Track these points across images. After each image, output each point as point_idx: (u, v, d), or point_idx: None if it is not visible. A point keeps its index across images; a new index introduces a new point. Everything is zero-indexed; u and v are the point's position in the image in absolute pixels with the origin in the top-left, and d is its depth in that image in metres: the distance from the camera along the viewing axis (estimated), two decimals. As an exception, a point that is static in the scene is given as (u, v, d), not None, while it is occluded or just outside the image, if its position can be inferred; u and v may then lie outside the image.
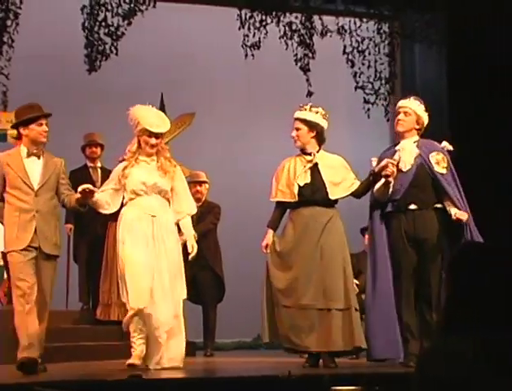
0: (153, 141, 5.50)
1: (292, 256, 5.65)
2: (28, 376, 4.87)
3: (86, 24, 9.33)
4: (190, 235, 5.57)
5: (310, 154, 5.77)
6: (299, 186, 5.68)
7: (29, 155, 5.35)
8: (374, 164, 5.78)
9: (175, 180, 5.55)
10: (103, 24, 9.33)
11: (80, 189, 5.20)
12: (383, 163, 5.50)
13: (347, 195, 5.79)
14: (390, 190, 5.55)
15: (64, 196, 5.38)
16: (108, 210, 5.54)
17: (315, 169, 5.74)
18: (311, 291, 5.56)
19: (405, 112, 5.70)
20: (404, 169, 5.58)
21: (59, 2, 9.30)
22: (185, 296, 5.55)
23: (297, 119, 5.79)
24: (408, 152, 5.62)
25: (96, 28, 9.31)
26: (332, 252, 5.63)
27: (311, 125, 5.76)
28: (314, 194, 5.69)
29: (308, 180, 5.69)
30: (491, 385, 1.82)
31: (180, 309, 5.45)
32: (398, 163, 5.52)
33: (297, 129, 5.77)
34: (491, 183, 8.97)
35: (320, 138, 5.82)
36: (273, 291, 5.64)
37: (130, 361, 5.32)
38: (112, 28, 9.33)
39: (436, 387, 1.85)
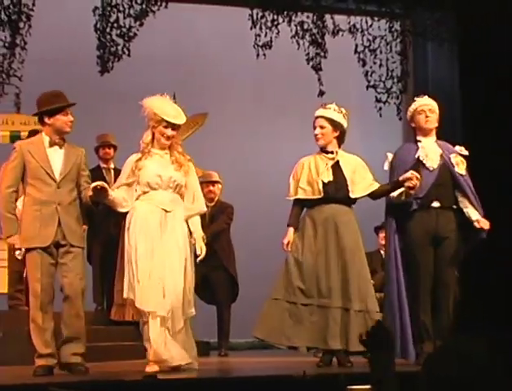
0: (170, 132, 5.33)
1: (314, 254, 5.63)
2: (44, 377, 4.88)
3: (98, 26, 9.35)
4: (199, 235, 5.44)
5: (331, 152, 5.77)
6: (323, 183, 5.66)
7: (51, 144, 5.22)
8: (390, 158, 5.76)
9: (189, 175, 5.41)
10: (115, 25, 9.35)
11: (92, 186, 5.08)
12: (408, 175, 5.46)
13: (366, 195, 5.78)
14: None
15: (81, 189, 5.24)
16: (125, 208, 5.34)
17: (336, 167, 5.73)
18: (332, 290, 5.57)
19: (430, 110, 5.70)
20: (431, 168, 5.56)
21: (71, 4, 9.33)
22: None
23: (322, 117, 5.76)
24: (432, 151, 5.63)
25: (108, 30, 9.33)
26: (350, 253, 5.63)
27: (336, 125, 5.76)
28: (337, 192, 5.68)
29: (331, 177, 5.68)
30: (499, 385, 1.81)
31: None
32: (420, 176, 5.49)
33: (322, 127, 5.75)
34: (504, 182, 8.93)
35: (342, 138, 5.84)
36: (291, 289, 5.61)
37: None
38: (124, 29, 9.35)
39: (445, 386, 1.85)
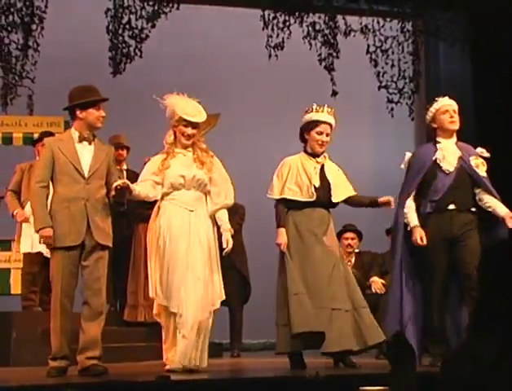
0: (190, 131, 5.31)
1: (304, 257, 5.60)
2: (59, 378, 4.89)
3: (111, 27, 9.39)
4: (226, 228, 5.39)
5: (319, 156, 5.73)
6: (314, 187, 5.64)
7: (81, 140, 5.08)
8: (407, 157, 5.69)
9: (213, 171, 5.37)
10: (127, 26, 9.38)
11: (113, 186, 4.95)
12: (385, 199, 5.52)
13: (343, 199, 5.74)
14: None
15: (111, 187, 5.07)
16: (153, 197, 5.29)
17: (321, 172, 5.72)
18: (328, 292, 5.55)
19: (454, 110, 5.63)
20: (447, 171, 5.50)
21: (83, 6, 9.36)
22: (223, 297, 5.43)
23: (328, 124, 5.70)
24: (450, 153, 5.55)
25: (120, 31, 9.36)
26: (335, 256, 5.65)
27: (332, 131, 5.76)
28: (324, 196, 5.67)
29: (319, 182, 5.67)
30: (510, 387, 1.80)
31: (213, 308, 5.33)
32: (436, 178, 5.46)
33: (328, 135, 5.70)
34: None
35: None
36: (294, 292, 5.53)
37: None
38: (136, 31, 9.38)
39: (458, 388, 1.85)
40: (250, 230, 8.01)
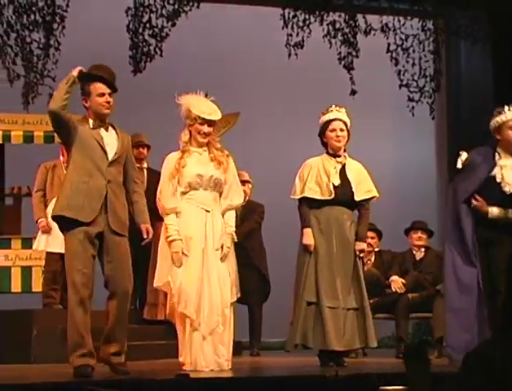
0: (206, 129, 5.33)
1: (327, 256, 5.65)
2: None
3: (131, 26, 9.43)
4: (228, 231, 5.37)
5: (340, 156, 5.80)
6: (333, 185, 5.70)
7: (94, 127, 4.91)
8: (463, 158, 5.54)
9: (228, 172, 5.40)
10: (148, 25, 9.42)
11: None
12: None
13: (365, 200, 5.78)
14: None
15: (130, 192, 4.99)
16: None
17: (342, 171, 5.78)
18: (351, 292, 5.64)
19: None
20: (508, 193, 5.39)
21: (104, 5, 9.39)
22: (235, 298, 5.45)
23: (340, 120, 5.80)
24: (510, 170, 5.41)
25: (141, 30, 9.40)
26: (352, 255, 5.70)
27: (348, 128, 5.82)
28: (344, 195, 5.72)
29: (339, 181, 5.72)
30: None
31: (228, 311, 5.35)
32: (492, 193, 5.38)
33: (342, 130, 5.79)
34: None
35: (348, 140, 5.87)
36: (306, 299, 5.61)
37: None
38: (157, 30, 9.42)
39: (480, 387, 1.84)
40: (270, 228, 8.01)
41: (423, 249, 7.40)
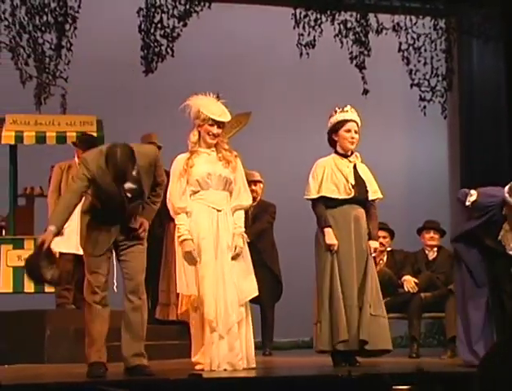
0: (215, 130, 5.33)
1: (347, 254, 5.62)
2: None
3: (143, 27, 9.46)
4: (238, 232, 5.33)
5: (350, 156, 5.78)
6: (351, 184, 5.69)
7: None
8: (474, 196, 5.51)
9: (236, 171, 5.40)
10: (159, 25, 9.44)
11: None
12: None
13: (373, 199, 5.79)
14: None
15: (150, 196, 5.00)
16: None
17: (355, 170, 5.77)
18: (360, 290, 5.61)
19: None
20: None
21: (115, 6, 9.42)
22: (255, 293, 5.40)
23: (354, 121, 5.78)
24: None
25: (152, 30, 9.42)
26: (365, 253, 5.69)
27: (359, 128, 5.80)
28: (360, 193, 5.71)
29: (354, 180, 5.72)
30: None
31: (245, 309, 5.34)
32: None
33: (356, 132, 5.77)
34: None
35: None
36: (337, 291, 5.57)
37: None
38: (168, 30, 9.43)
39: (497, 387, 1.83)
40: (282, 228, 8.00)
41: (435, 249, 7.38)
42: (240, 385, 4.50)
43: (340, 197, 5.67)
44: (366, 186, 5.74)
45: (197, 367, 5.20)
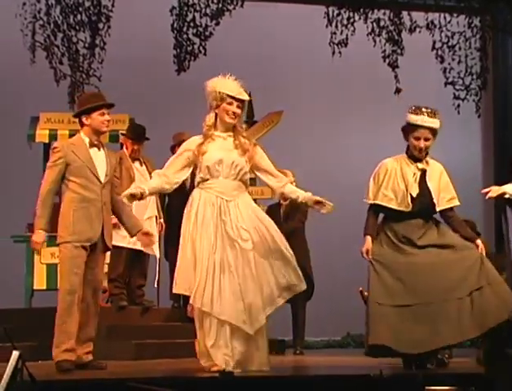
0: (234, 109, 5.03)
1: (401, 266, 5.17)
2: (122, 373, 4.93)
3: (175, 25, 9.49)
4: (303, 194, 5.04)
5: (421, 160, 5.30)
6: (411, 196, 5.20)
7: (91, 145, 5.24)
8: None
9: (258, 158, 5.08)
10: (192, 24, 9.47)
11: (123, 195, 4.94)
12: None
13: (445, 209, 5.31)
14: None
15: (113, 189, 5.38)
16: (169, 190, 5.16)
17: (422, 178, 5.27)
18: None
19: None
20: None
21: (148, 5, 9.47)
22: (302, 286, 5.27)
23: (429, 128, 5.22)
24: None
25: (185, 29, 9.46)
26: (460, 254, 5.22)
27: (435, 134, 5.29)
28: (422, 206, 5.21)
29: (417, 190, 5.22)
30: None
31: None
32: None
33: (427, 140, 5.23)
34: None
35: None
36: (377, 301, 5.15)
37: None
38: (201, 29, 9.46)
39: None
40: (315, 227, 7.97)
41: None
42: (270, 384, 4.49)
43: (397, 208, 5.20)
44: (432, 198, 5.21)
45: (212, 369, 4.89)
